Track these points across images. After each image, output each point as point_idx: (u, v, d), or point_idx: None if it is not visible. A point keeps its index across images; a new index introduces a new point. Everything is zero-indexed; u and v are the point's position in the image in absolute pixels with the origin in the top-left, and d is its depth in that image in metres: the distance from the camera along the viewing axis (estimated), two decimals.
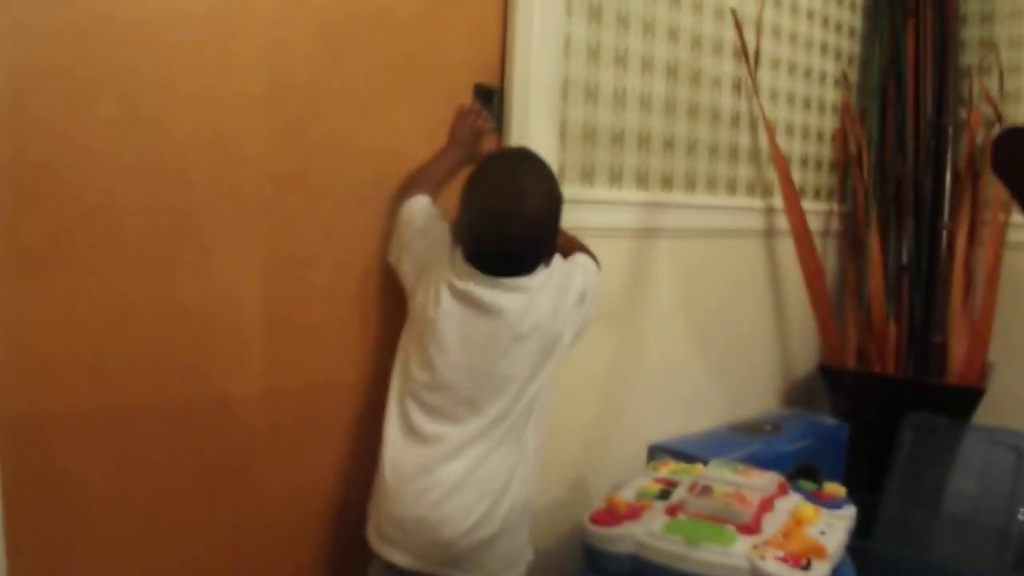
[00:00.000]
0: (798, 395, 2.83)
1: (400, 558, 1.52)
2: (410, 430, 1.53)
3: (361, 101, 1.66)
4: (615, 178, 2.09)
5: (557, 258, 1.59)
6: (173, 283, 1.46)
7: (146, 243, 1.42)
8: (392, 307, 1.70)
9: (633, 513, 1.73)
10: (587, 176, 2.02)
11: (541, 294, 1.54)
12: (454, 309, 1.51)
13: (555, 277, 1.57)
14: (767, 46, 2.54)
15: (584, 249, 1.74)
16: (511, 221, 1.51)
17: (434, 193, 1.68)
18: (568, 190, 1.93)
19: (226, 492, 1.57)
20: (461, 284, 1.51)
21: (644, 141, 2.16)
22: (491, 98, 1.83)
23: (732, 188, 2.46)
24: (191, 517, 1.53)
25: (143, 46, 1.39)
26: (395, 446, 1.53)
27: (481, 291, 1.50)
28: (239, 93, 1.51)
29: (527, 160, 1.58)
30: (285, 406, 1.62)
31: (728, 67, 2.40)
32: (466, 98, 1.81)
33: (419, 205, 1.64)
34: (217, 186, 1.49)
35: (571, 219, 1.93)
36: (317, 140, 1.61)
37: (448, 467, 1.50)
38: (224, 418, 1.55)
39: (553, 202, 1.56)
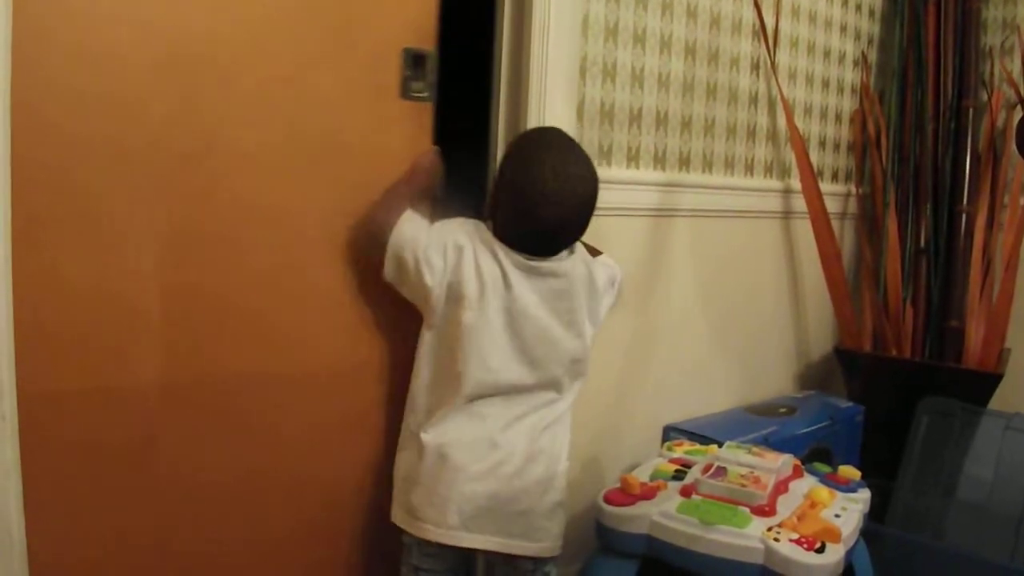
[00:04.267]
0: (814, 378, 2.82)
1: (466, 537, 1.52)
2: (467, 412, 1.53)
3: (280, 66, 1.54)
4: (632, 158, 2.08)
5: (578, 246, 1.62)
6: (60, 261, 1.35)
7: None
8: (322, 292, 1.62)
9: (647, 493, 1.72)
10: (604, 155, 2.01)
11: (575, 271, 1.58)
12: (508, 290, 1.53)
13: (580, 260, 1.60)
14: (786, 26, 2.52)
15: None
16: (567, 203, 1.52)
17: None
18: None
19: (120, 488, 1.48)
20: (520, 260, 1.53)
21: (662, 121, 2.15)
22: (423, 64, 1.70)
23: (750, 169, 2.44)
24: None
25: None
26: (447, 430, 1.53)
27: (538, 263, 1.54)
28: (140, 57, 1.38)
29: (571, 142, 1.59)
30: (188, 397, 1.50)
31: (747, 47, 2.38)
32: (395, 63, 1.67)
33: (413, 218, 1.57)
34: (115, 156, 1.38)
35: None
36: (229, 108, 1.48)
37: (513, 438, 1.54)
38: (120, 408, 1.44)
39: (597, 184, 1.59)
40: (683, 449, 1.97)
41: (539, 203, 1.50)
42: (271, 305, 1.57)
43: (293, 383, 1.61)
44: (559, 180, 1.50)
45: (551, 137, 1.61)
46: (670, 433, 2.17)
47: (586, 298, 1.61)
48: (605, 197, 1.93)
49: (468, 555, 1.60)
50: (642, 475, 1.82)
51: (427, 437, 1.53)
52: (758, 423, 2.27)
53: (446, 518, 1.50)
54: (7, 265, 1.29)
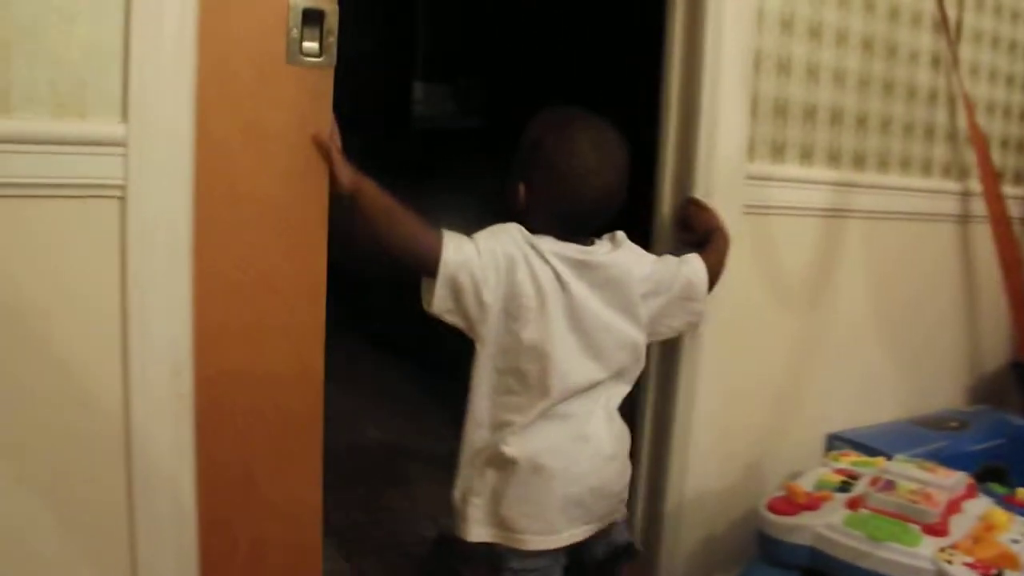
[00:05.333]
0: (986, 391, 2.67)
1: (570, 534, 1.50)
2: (550, 417, 1.49)
3: None
4: (806, 155, 2.02)
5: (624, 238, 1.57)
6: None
7: None
8: None
9: (812, 504, 1.69)
10: (778, 152, 1.96)
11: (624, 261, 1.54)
12: (564, 290, 1.47)
13: (629, 250, 1.56)
14: (969, 18, 2.39)
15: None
16: (608, 173, 1.49)
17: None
18: (758, 167, 1.90)
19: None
20: (570, 257, 1.47)
21: (837, 118, 2.08)
22: (320, 21, 1.48)
23: (927, 169, 2.34)
24: None
25: None
26: (535, 439, 1.49)
27: (588, 258, 1.49)
28: None
29: (594, 115, 1.54)
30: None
31: (926, 40, 2.28)
32: (281, 18, 1.45)
33: (454, 236, 1.46)
34: None
35: (760, 198, 1.89)
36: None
37: (597, 426, 1.52)
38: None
39: (628, 151, 1.55)
40: (849, 460, 1.92)
41: (584, 175, 1.47)
42: None
43: None
44: (599, 151, 1.48)
45: (575, 113, 1.54)
46: (834, 442, 2.12)
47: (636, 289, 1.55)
48: (777, 195, 1.91)
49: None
50: (806, 484, 1.78)
51: (513, 450, 1.47)
52: (926, 436, 2.18)
53: (553, 526, 1.48)
54: (187, 264, 1.36)
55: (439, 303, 1.42)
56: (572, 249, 1.47)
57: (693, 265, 1.61)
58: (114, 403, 1.34)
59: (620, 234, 1.55)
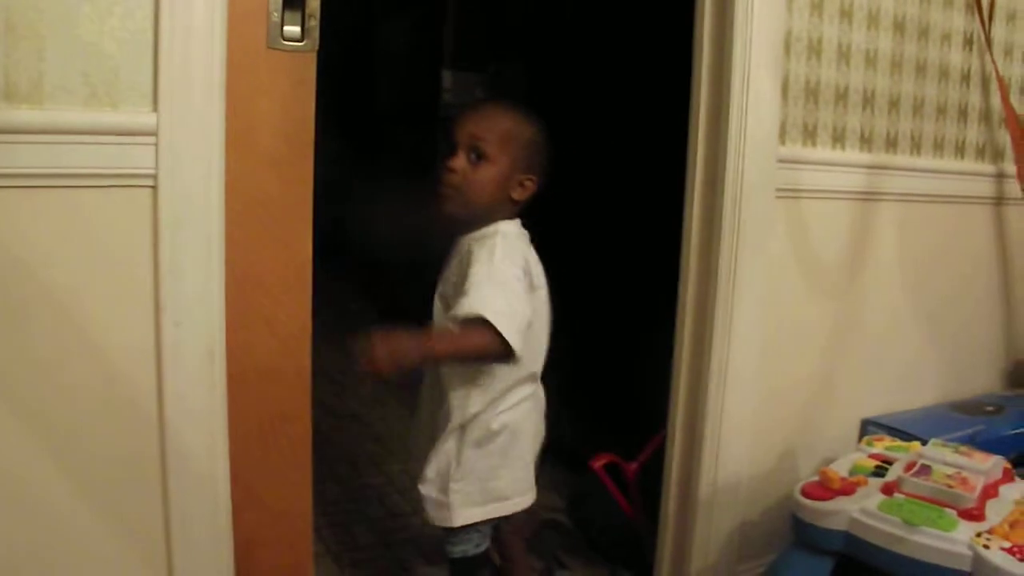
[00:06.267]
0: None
1: (530, 497, 1.66)
2: (523, 382, 1.61)
3: None
4: (838, 138, 2.00)
5: None
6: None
7: None
8: None
9: (847, 489, 1.68)
10: (809, 135, 1.94)
11: None
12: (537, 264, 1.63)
13: None
14: None
15: None
16: None
17: None
18: (789, 150, 1.88)
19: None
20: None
21: (868, 100, 2.05)
22: (301, 5, 1.45)
23: (960, 151, 2.31)
24: None
25: None
26: (517, 408, 1.61)
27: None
28: None
29: None
30: None
31: (959, 21, 2.24)
32: (261, 1, 1.43)
33: (502, 301, 1.49)
34: None
35: (792, 181, 1.88)
36: None
37: (540, 390, 1.68)
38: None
39: None
40: (883, 445, 1.91)
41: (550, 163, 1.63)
42: None
43: None
44: None
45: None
46: (869, 427, 2.11)
47: None
48: (808, 179, 1.90)
49: None
50: (840, 469, 1.77)
51: (500, 421, 1.59)
52: (963, 421, 2.16)
53: (530, 483, 1.66)
54: (220, 250, 1.38)
55: (519, 350, 1.46)
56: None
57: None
58: (148, 388, 1.36)
59: None
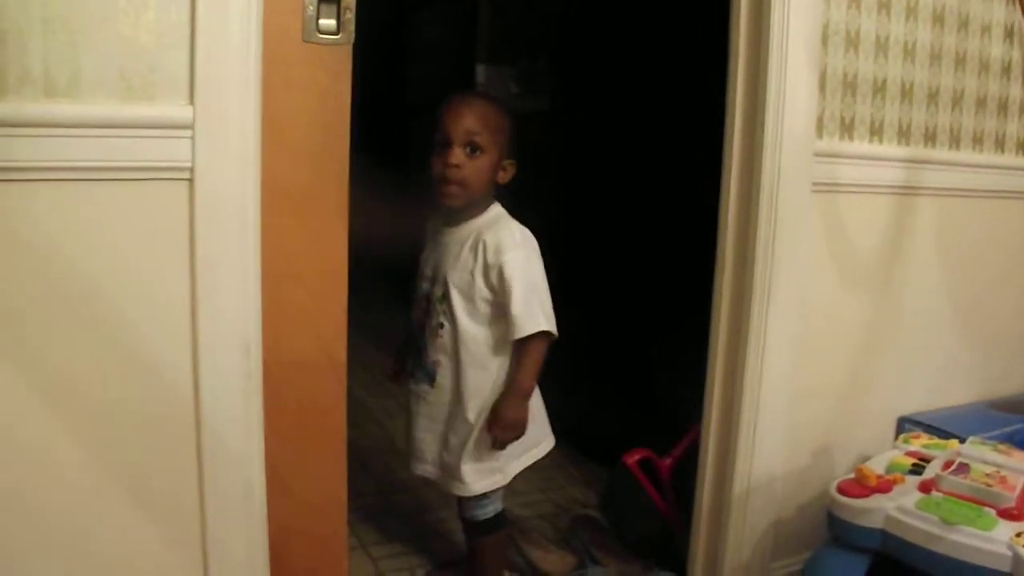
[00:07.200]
0: None
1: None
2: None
3: None
4: (875, 132, 1.97)
5: None
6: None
7: None
8: None
9: (884, 487, 1.66)
10: (846, 129, 1.91)
11: None
12: None
13: None
14: None
15: None
16: None
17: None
18: (826, 144, 1.86)
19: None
20: None
21: (907, 93, 2.02)
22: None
23: (1000, 145, 2.27)
24: None
25: None
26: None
27: None
28: None
29: None
30: None
31: (999, 12, 2.21)
32: None
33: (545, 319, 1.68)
34: None
35: (829, 175, 1.86)
36: None
37: None
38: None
39: None
40: (920, 442, 1.89)
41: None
42: None
43: None
44: None
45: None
46: (905, 425, 2.08)
47: None
48: (846, 173, 1.87)
49: None
50: (877, 467, 1.75)
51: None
52: (1002, 419, 2.13)
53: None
54: (256, 244, 1.38)
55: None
56: None
57: None
58: (184, 382, 1.36)
59: None
